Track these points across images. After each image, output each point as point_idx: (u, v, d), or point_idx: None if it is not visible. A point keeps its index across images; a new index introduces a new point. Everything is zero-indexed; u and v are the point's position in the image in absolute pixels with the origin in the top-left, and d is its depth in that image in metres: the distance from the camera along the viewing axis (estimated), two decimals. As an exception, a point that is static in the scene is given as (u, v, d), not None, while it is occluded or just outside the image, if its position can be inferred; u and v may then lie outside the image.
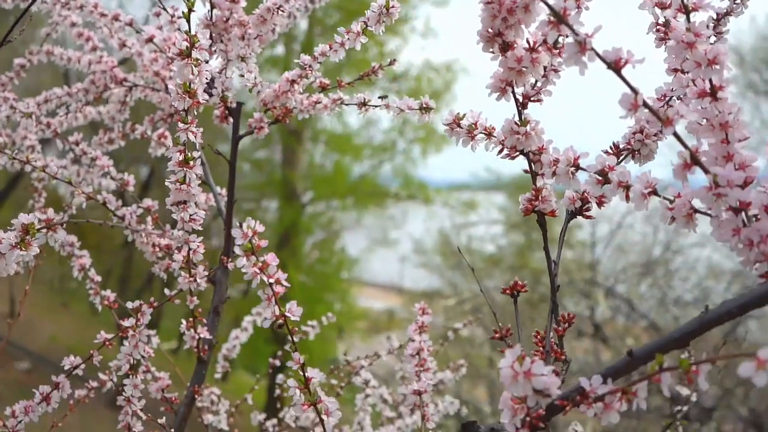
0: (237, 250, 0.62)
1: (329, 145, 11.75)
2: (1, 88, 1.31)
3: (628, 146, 0.70)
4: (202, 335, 0.97)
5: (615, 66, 0.51)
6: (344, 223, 11.92)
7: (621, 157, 0.70)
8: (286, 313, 0.64)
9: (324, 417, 0.66)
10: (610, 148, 0.70)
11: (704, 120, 0.56)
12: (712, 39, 0.73)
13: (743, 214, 0.52)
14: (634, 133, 0.70)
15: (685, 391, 1.15)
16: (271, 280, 0.63)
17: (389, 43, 11.41)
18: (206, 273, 0.92)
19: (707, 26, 0.73)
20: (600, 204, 0.68)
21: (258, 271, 0.63)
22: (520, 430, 0.55)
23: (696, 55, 0.54)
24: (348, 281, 11.55)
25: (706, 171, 0.52)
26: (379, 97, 0.95)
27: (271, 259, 0.63)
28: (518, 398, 0.54)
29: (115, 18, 1.11)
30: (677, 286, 7.03)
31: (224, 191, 1.12)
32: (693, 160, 0.52)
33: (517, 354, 0.51)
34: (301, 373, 0.66)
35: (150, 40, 1.07)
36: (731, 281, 6.91)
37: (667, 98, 0.69)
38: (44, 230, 0.66)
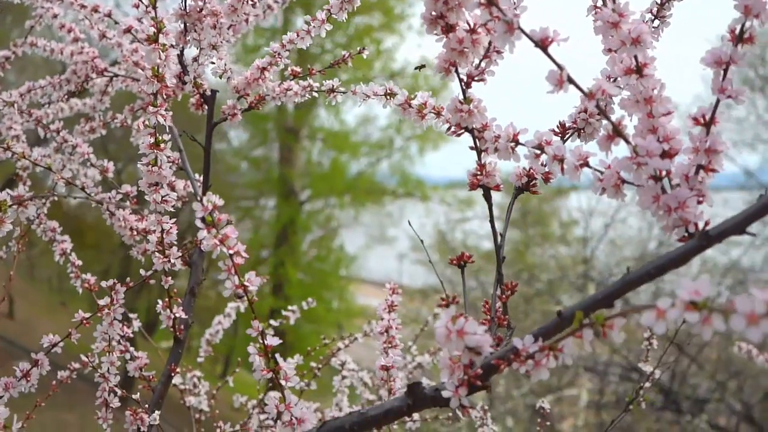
0: (198, 223, 0.66)
1: (326, 142, 11.79)
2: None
3: (574, 125, 0.73)
4: (177, 315, 1.01)
5: (542, 44, 0.55)
6: (342, 221, 11.96)
7: (567, 135, 0.73)
8: (246, 283, 0.67)
9: (282, 382, 0.69)
10: (557, 126, 0.74)
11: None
12: (656, 23, 0.76)
13: (665, 182, 0.56)
14: (579, 112, 0.73)
15: (647, 368, 1.18)
16: (231, 252, 0.66)
17: (386, 41, 11.46)
18: (180, 254, 0.95)
19: (650, 10, 0.76)
20: (546, 180, 0.72)
21: (218, 243, 0.66)
22: (459, 389, 0.58)
23: (621, 34, 0.57)
24: (346, 279, 11.58)
25: (627, 142, 0.55)
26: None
27: (231, 231, 0.67)
28: (456, 358, 0.58)
29: (95, 9, 1.14)
30: (670, 280, 7.07)
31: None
32: (615, 131, 0.56)
33: (451, 314, 0.54)
34: (261, 341, 0.69)
35: (128, 30, 1.10)
36: (724, 274, 6.97)
37: (611, 79, 0.73)
38: (15, 206, 0.69)
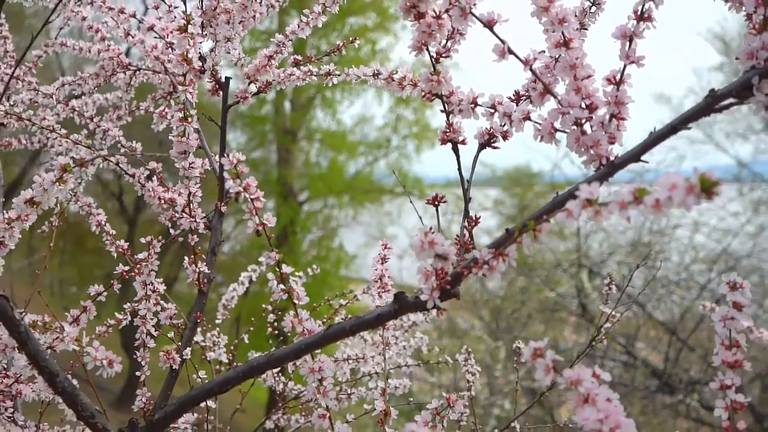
0: (225, 174, 0.83)
1: (324, 143, 11.97)
2: (17, 79, 1.51)
3: (526, 93, 0.90)
4: (202, 270, 1.18)
5: (489, 24, 0.72)
6: (341, 221, 12.13)
7: (520, 101, 0.90)
8: (264, 221, 0.84)
9: (296, 301, 0.87)
10: (513, 94, 0.91)
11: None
12: (593, 9, 0.93)
13: (586, 127, 0.73)
14: (530, 83, 0.90)
15: (606, 310, 1.35)
16: (253, 196, 0.83)
17: (381, 41, 11.65)
18: (204, 215, 1.13)
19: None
20: (504, 137, 0.89)
21: (242, 190, 0.83)
22: (433, 292, 0.75)
23: (550, 15, 0.74)
24: (346, 278, 11.73)
25: (555, 97, 0.73)
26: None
27: (252, 181, 0.84)
28: (430, 269, 0.75)
29: (121, 11, 1.31)
30: (662, 267, 7.25)
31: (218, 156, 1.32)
32: (546, 90, 0.73)
33: (425, 230, 0.71)
34: (278, 269, 0.87)
35: (151, 28, 1.27)
36: (715, 261, 7.16)
37: (554, 59, 0.90)
38: (78, 167, 0.86)
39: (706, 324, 6.39)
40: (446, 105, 0.84)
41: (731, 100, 0.66)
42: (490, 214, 10.59)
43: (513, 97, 0.91)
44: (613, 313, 1.32)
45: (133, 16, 1.33)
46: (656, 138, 0.67)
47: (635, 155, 0.68)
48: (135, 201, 10.61)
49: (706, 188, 0.49)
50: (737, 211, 8.00)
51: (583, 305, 6.21)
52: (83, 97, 1.53)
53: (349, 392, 1.46)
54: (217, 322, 1.61)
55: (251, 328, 1.67)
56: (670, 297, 7.22)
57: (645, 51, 0.75)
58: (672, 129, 0.66)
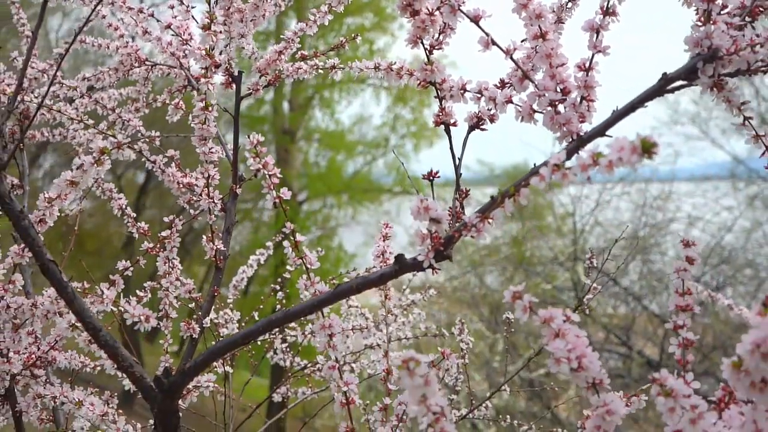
0: (247, 154, 0.94)
1: (322, 143, 12.09)
2: (43, 73, 1.62)
3: (509, 80, 1.01)
4: (218, 247, 1.29)
5: (475, 19, 0.83)
6: (340, 220, 12.24)
7: (504, 87, 1.01)
8: (281, 194, 0.96)
9: (308, 266, 0.98)
10: (498, 81, 1.02)
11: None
12: (569, 4, 1.04)
13: (560, 108, 0.85)
14: (513, 70, 1.01)
15: (587, 281, 1.46)
16: (270, 173, 0.95)
17: (378, 41, 11.77)
18: (221, 197, 1.24)
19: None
20: (491, 120, 1.00)
21: (261, 167, 0.95)
22: (428, 254, 0.86)
23: (528, 11, 0.85)
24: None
25: (532, 81, 0.84)
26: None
27: (270, 159, 0.95)
28: (425, 233, 0.86)
29: (140, 11, 1.42)
30: (657, 260, 7.39)
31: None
32: (525, 76, 0.84)
33: (421, 197, 0.83)
34: (293, 238, 0.98)
35: (168, 26, 1.38)
36: (708, 255, 7.29)
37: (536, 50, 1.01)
38: (115, 149, 0.97)
39: (700, 316, 6.52)
40: (439, 91, 0.95)
41: (681, 82, 0.78)
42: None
43: (498, 85, 1.02)
44: (595, 285, 1.43)
45: (152, 15, 1.44)
46: (618, 115, 0.79)
47: (600, 131, 0.80)
48: (135, 202, 10.72)
49: (647, 149, 0.60)
50: (731, 206, 8.13)
51: (580, 298, 6.33)
52: (101, 91, 1.64)
53: (351, 364, 1.57)
54: (228, 301, 1.72)
55: (261, 306, 1.78)
56: (665, 290, 7.35)
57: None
58: (631, 107, 0.78)
